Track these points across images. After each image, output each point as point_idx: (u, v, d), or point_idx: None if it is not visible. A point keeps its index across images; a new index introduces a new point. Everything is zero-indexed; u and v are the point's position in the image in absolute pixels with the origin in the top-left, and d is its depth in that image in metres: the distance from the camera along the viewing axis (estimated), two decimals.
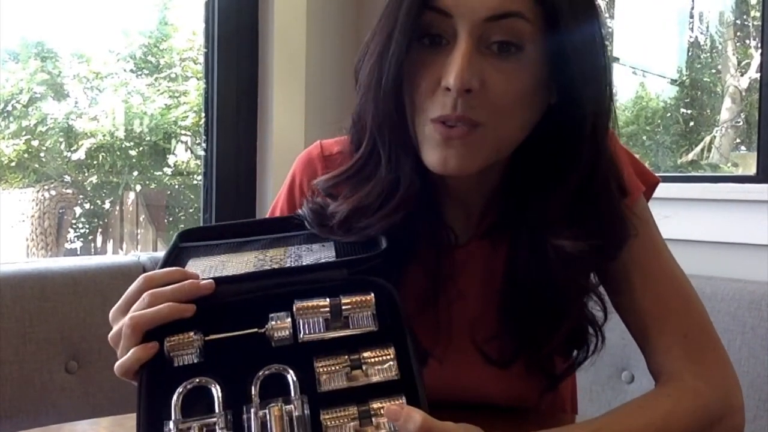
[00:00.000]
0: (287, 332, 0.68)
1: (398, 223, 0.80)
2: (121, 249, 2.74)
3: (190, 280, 0.70)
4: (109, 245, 2.73)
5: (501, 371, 0.88)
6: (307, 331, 0.69)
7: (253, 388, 0.66)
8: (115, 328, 0.71)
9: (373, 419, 0.65)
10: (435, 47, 0.76)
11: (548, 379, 0.90)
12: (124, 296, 0.72)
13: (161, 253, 1.85)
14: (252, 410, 0.65)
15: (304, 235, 0.85)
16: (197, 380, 0.67)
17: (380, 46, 0.77)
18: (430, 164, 0.78)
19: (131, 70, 2.53)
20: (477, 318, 0.88)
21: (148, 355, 0.67)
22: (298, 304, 0.69)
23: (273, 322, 0.69)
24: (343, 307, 0.69)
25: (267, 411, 0.65)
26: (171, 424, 0.64)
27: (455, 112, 0.74)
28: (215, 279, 0.72)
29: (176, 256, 0.81)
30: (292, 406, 0.65)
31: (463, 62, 0.73)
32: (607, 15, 2.29)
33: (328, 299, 0.70)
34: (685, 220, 1.71)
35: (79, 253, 2.70)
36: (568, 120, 0.78)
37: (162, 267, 0.76)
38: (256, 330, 0.69)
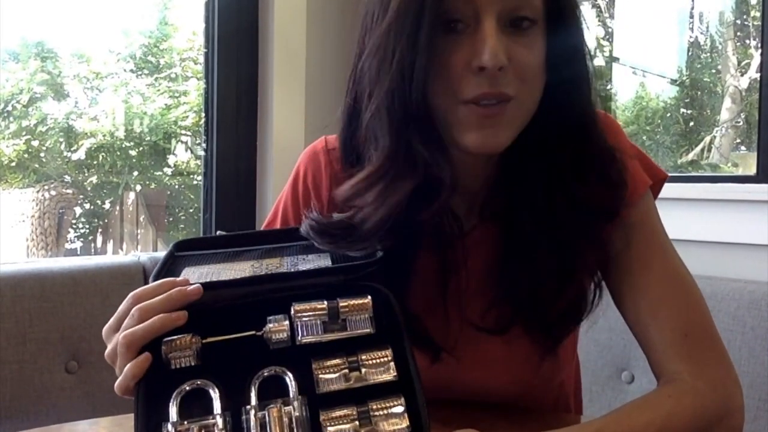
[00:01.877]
0: (285, 335, 0.69)
1: (405, 216, 0.81)
2: (121, 249, 2.74)
3: (177, 288, 0.70)
4: (109, 245, 2.73)
5: (505, 348, 0.89)
6: (304, 334, 0.69)
7: (251, 389, 0.66)
8: (109, 347, 0.71)
9: (372, 420, 0.65)
10: (453, 32, 0.78)
11: (548, 343, 0.90)
12: (115, 314, 0.72)
13: (161, 253, 1.85)
14: (251, 411, 0.65)
15: (300, 245, 0.85)
16: (196, 382, 0.67)
17: (407, 35, 0.77)
18: (469, 145, 0.80)
19: (131, 70, 2.53)
20: (477, 299, 0.89)
21: (142, 369, 0.67)
22: (295, 307, 0.70)
23: (271, 325, 0.69)
24: (341, 310, 0.70)
25: (266, 412, 0.65)
26: (169, 426, 0.64)
27: (494, 89, 0.77)
28: (213, 283, 0.72)
29: (171, 265, 0.81)
30: (291, 407, 0.65)
31: (494, 41, 0.76)
32: (606, 15, 2.29)
33: (325, 302, 0.70)
34: (685, 220, 1.71)
35: (79, 253, 2.70)
36: (561, 92, 0.82)
37: (157, 275, 0.76)
38: (254, 332, 0.69)
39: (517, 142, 0.83)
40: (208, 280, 0.74)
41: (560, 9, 0.80)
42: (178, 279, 0.73)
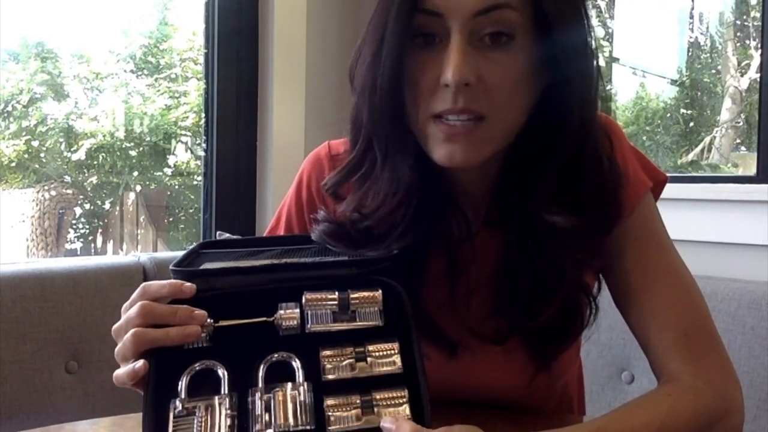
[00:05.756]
0: (295, 322, 0.70)
1: (412, 218, 0.82)
2: (121, 249, 2.74)
3: (184, 306, 0.70)
4: (109, 245, 2.73)
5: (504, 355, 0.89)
6: (314, 322, 0.71)
7: (259, 372, 0.68)
8: (119, 322, 0.72)
9: (375, 409, 0.67)
10: (429, 46, 0.78)
11: (544, 357, 0.90)
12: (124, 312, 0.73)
13: (161, 254, 1.85)
14: (257, 393, 0.67)
15: (318, 248, 0.87)
16: (205, 363, 0.68)
17: (373, 50, 0.79)
18: (437, 159, 0.80)
19: (131, 71, 2.53)
20: (481, 304, 0.89)
21: (138, 376, 0.68)
22: (307, 296, 0.71)
23: (282, 312, 0.71)
24: (351, 302, 0.72)
25: (271, 395, 0.67)
26: (177, 402, 0.66)
27: (457, 105, 0.76)
28: (229, 269, 0.75)
29: (195, 258, 0.84)
30: (296, 391, 0.67)
31: (458, 57, 0.75)
32: (607, 15, 2.29)
33: (336, 293, 0.72)
34: (685, 220, 1.71)
35: (79, 253, 2.70)
36: (560, 100, 0.80)
37: (180, 263, 0.78)
38: (265, 319, 0.71)
39: (521, 150, 0.83)
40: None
41: (548, 19, 0.76)
42: (183, 284, 0.72)
